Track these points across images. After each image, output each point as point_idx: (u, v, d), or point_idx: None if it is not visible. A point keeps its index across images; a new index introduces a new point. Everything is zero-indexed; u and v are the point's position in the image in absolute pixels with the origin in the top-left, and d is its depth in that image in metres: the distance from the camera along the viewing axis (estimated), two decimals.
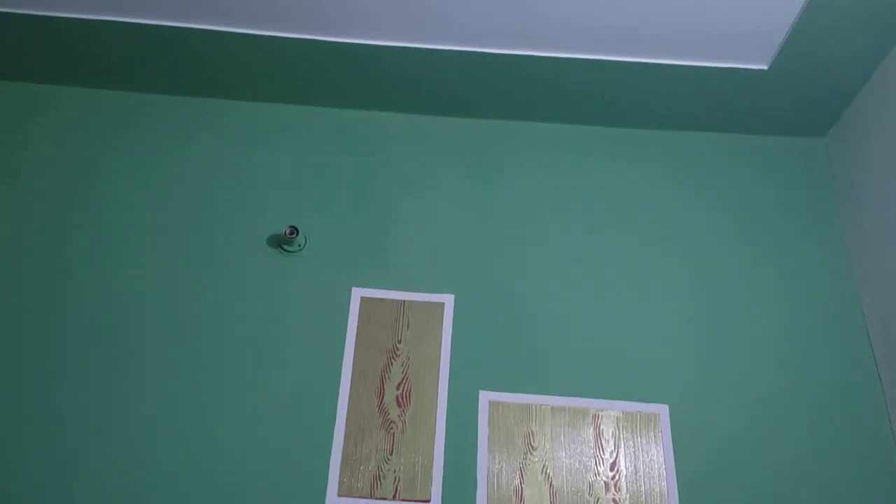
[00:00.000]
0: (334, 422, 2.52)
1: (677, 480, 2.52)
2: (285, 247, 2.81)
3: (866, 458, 2.61)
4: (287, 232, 2.76)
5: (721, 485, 2.52)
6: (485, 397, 2.61)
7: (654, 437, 2.59)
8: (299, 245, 2.82)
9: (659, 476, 2.52)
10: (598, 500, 2.46)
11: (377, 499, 2.41)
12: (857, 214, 2.96)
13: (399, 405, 2.57)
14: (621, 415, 2.62)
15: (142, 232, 2.83)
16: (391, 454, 2.48)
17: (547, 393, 2.64)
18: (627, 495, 2.48)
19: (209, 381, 2.56)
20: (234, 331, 2.66)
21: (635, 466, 2.53)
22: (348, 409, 2.55)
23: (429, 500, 2.42)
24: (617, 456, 2.55)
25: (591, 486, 2.48)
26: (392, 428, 2.53)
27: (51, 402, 2.51)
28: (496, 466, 2.49)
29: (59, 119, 3.06)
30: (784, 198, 3.09)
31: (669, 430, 2.60)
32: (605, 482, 2.49)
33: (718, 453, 2.58)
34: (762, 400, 2.69)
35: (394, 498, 2.41)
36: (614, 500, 2.47)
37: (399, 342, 2.69)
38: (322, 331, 2.68)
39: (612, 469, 2.52)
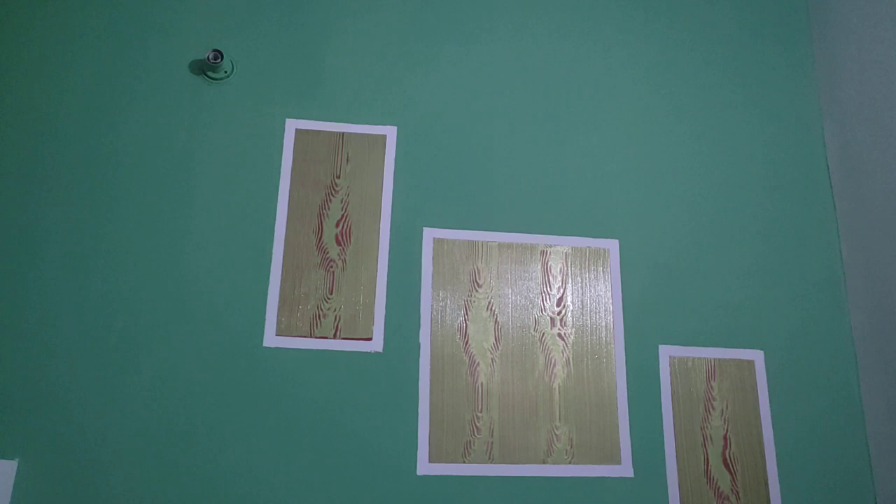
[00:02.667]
0: (270, 261, 2.40)
1: (624, 314, 2.49)
2: (210, 73, 2.55)
3: (814, 286, 2.60)
4: (210, 57, 2.49)
5: (667, 317, 2.50)
6: (429, 234, 2.49)
7: (603, 272, 2.53)
8: (225, 72, 2.56)
9: (606, 310, 2.48)
10: (543, 335, 2.43)
11: (317, 338, 2.34)
12: (828, 41, 2.77)
13: (339, 243, 2.45)
14: (570, 251, 2.54)
15: (43, 61, 2.53)
16: (331, 293, 2.39)
17: (494, 229, 2.53)
18: (573, 329, 2.45)
19: (131, 222, 2.39)
20: (158, 167, 2.45)
21: (582, 301, 2.48)
22: (285, 248, 2.42)
23: (370, 339, 2.36)
24: (564, 291, 2.49)
25: (536, 321, 2.44)
26: (332, 267, 2.42)
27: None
28: (440, 304, 2.42)
29: None
30: (750, 20, 2.87)
31: (619, 266, 2.54)
32: (550, 317, 2.45)
33: (667, 287, 2.54)
34: (713, 232, 2.62)
35: (334, 337, 2.35)
36: (560, 334, 2.44)
37: (338, 177, 2.52)
38: (254, 166, 2.49)
39: (558, 304, 2.47)
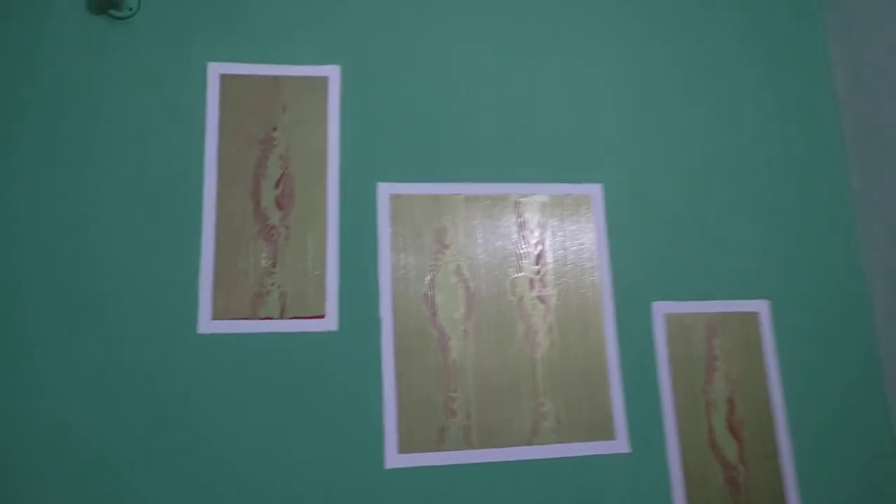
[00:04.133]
0: (200, 233, 2.05)
1: (612, 269, 2.19)
2: (112, 11, 2.14)
3: (824, 226, 2.32)
4: None
5: (661, 270, 2.21)
6: (385, 190, 2.15)
7: (587, 222, 2.21)
8: (130, 8, 2.15)
9: (591, 266, 2.18)
10: (520, 299, 2.13)
11: (260, 319, 2.02)
12: None
13: (280, 207, 2.10)
14: (548, 200, 2.22)
15: None
16: (274, 266, 2.06)
17: (459, 180, 2.19)
18: (555, 291, 2.15)
19: (31, 193, 2.00)
20: (59, 128, 2.05)
21: (564, 257, 2.18)
22: (217, 217, 2.07)
23: (323, 316, 2.04)
24: (543, 247, 2.18)
25: (512, 284, 2.14)
26: (273, 235, 2.08)
27: None
28: (401, 271, 2.10)
29: None
30: None
31: (604, 214, 2.23)
32: (529, 278, 2.15)
33: (659, 236, 2.24)
34: (710, 171, 2.31)
35: (281, 316, 2.03)
36: (540, 297, 2.14)
37: (274, 130, 2.15)
38: (173, 121, 2.11)
39: (537, 263, 2.16)
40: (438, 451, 1.99)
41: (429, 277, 2.11)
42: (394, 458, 1.97)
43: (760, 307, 2.22)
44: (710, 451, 2.09)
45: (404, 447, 1.98)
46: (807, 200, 2.33)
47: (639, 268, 2.20)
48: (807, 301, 2.25)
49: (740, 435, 2.11)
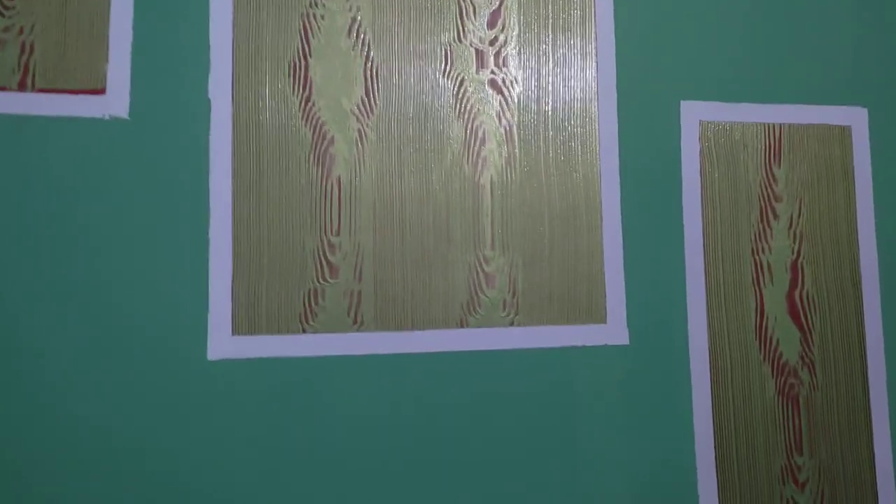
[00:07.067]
0: None
1: (616, 45, 1.30)
2: None
3: None
4: None
5: (699, 53, 1.34)
6: None
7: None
8: None
9: (583, 35, 1.29)
10: (461, 83, 1.24)
11: None
12: None
13: None
14: None
15: None
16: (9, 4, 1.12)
17: None
18: (520, 72, 1.26)
19: None
20: None
21: (539, 14, 1.27)
22: None
23: (103, 91, 1.13)
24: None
25: (448, 56, 1.24)
26: None
27: None
28: (250, 16, 1.18)
29: None
30: None
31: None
32: (476, 50, 1.25)
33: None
34: None
35: (22, 87, 1.11)
36: (495, 82, 1.25)
37: None
38: None
39: (492, 25, 1.26)
40: (304, 332, 1.15)
41: (300, 35, 1.19)
42: (223, 344, 1.13)
43: (854, 118, 1.36)
44: (756, 347, 1.28)
45: (242, 326, 1.13)
46: None
47: (662, 45, 1.32)
48: None
49: (808, 320, 1.30)
